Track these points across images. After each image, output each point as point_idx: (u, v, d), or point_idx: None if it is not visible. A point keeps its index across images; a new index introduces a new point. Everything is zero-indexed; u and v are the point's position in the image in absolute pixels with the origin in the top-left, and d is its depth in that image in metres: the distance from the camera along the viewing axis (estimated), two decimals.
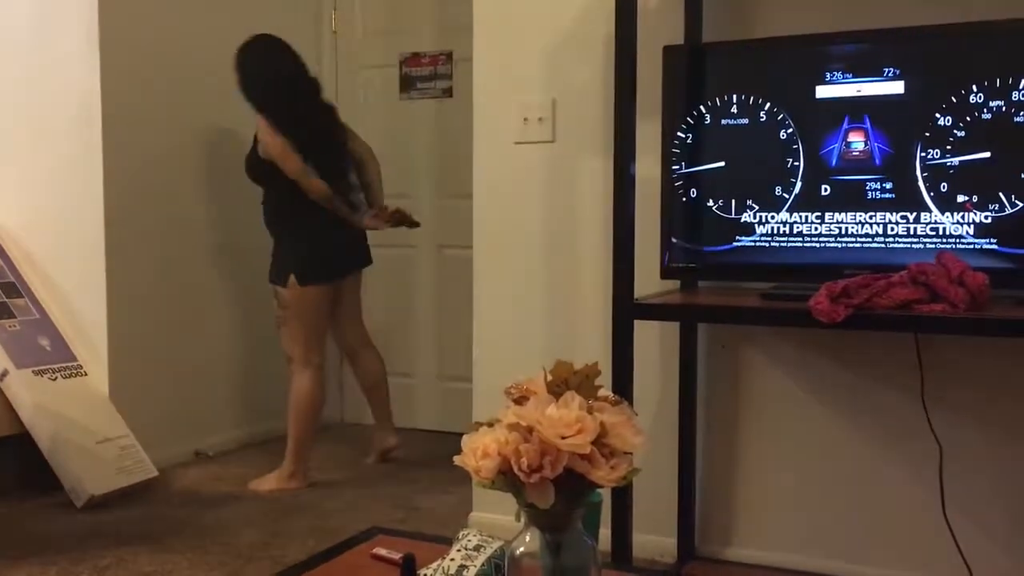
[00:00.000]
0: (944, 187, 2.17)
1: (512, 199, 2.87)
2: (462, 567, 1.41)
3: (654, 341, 2.68)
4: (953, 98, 2.15)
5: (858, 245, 2.26)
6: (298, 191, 3.44)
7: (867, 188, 2.24)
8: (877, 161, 2.23)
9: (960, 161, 2.15)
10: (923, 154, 2.19)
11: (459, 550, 1.45)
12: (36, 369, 3.42)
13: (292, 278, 3.48)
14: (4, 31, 3.72)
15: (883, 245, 2.23)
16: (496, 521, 2.73)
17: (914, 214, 2.20)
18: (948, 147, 2.16)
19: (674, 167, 2.42)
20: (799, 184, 2.31)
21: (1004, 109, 2.11)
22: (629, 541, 2.32)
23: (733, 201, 2.37)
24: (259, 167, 3.51)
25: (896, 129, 2.21)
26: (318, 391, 3.58)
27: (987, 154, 2.13)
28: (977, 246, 2.15)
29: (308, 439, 3.59)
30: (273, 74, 3.54)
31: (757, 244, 2.35)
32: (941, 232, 2.18)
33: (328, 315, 3.62)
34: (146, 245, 3.72)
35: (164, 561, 2.77)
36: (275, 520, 3.15)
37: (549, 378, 1.15)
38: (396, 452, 3.82)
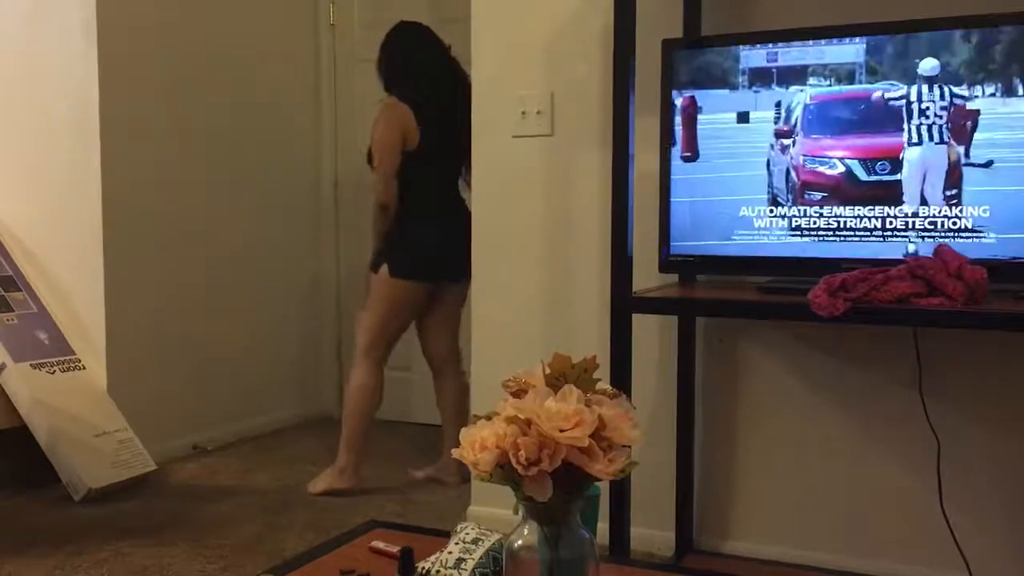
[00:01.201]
0: (945, 182, 2.17)
1: (510, 193, 2.86)
2: (460, 560, 1.41)
3: (652, 335, 2.68)
4: (955, 94, 2.15)
5: (856, 239, 2.26)
6: (413, 183, 3.35)
7: (866, 182, 2.24)
8: (877, 155, 2.23)
9: (961, 156, 2.15)
10: (924, 149, 2.18)
11: (457, 543, 1.45)
12: (34, 363, 3.42)
13: (385, 267, 3.36)
14: (0, 24, 3.71)
15: (881, 239, 2.23)
16: (494, 514, 2.73)
17: (913, 208, 2.20)
18: (949, 143, 2.16)
19: (672, 161, 2.41)
20: (798, 178, 2.31)
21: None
22: (627, 534, 2.32)
23: (732, 195, 2.37)
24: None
25: (897, 124, 2.21)
26: (374, 384, 3.41)
27: (988, 150, 2.13)
28: (976, 240, 2.14)
29: (359, 435, 3.41)
30: (410, 58, 3.46)
31: (756, 238, 2.35)
32: (940, 226, 2.18)
33: (408, 317, 3.47)
34: (144, 239, 3.72)
35: (162, 555, 2.77)
36: (273, 514, 3.15)
37: (547, 371, 1.14)
38: (446, 482, 3.52)
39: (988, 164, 2.12)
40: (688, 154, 2.39)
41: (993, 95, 2.11)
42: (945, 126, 2.16)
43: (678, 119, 2.39)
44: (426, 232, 3.39)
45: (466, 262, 3.43)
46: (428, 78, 3.43)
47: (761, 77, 2.32)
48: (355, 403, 3.41)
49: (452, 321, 3.59)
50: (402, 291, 3.39)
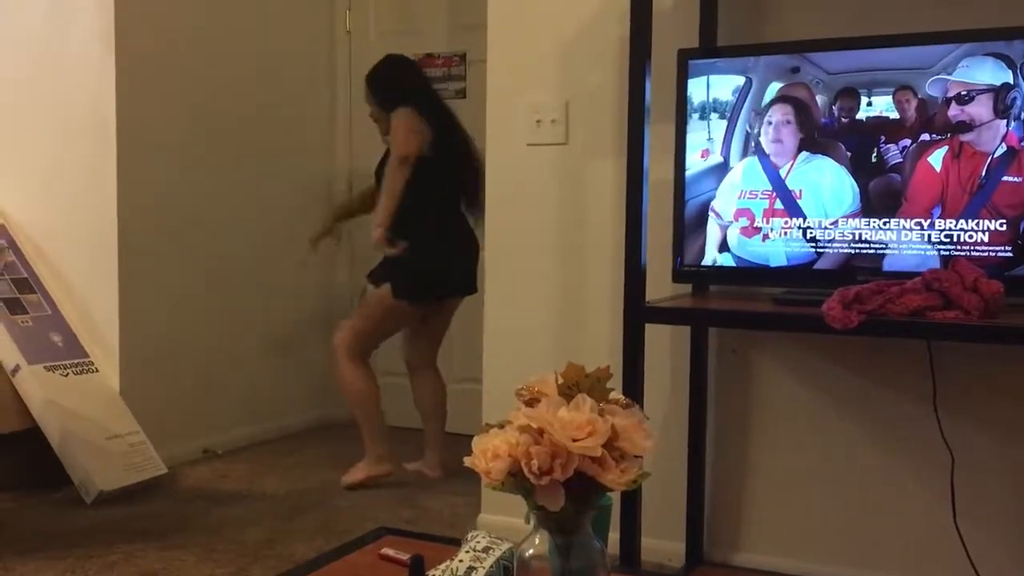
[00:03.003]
0: (959, 193, 2.16)
1: (524, 201, 2.86)
2: (471, 568, 1.40)
3: (665, 344, 2.67)
4: (968, 106, 2.14)
5: (871, 251, 2.25)
6: (422, 200, 3.37)
7: (880, 193, 2.23)
8: (890, 167, 2.22)
9: (977, 169, 2.14)
10: (939, 162, 2.17)
11: (468, 551, 1.45)
12: (48, 365, 3.43)
13: (388, 287, 3.43)
14: (19, 28, 3.74)
15: (897, 251, 2.22)
16: (505, 523, 2.72)
17: (928, 220, 2.19)
18: (961, 153, 2.15)
19: (687, 170, 2.41)
20: (812, 189, 2.30)
21: None
22: (638, 545, 2.31)
23: (746, 205, 2.36)
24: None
25: (909, 135, 2.20)
26: (369, 381, 3.52)
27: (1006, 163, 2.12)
28: (992, 253, 2.13)
29: (379, 427, 3.52)
30: (412, 81, 3.58)
31: (770, 249, 2.34)
32: (955, 239, 2.16)
33: (396, 331, 3.60)
34: (158, 244, 3.73)
35: (172, 558, 2.78)
36: (283, 519, 3.15)
37: (560, 380, 1.14)
38: (432, 479, 3.64)
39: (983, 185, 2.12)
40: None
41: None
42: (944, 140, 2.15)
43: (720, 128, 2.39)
44: (436, 255, 3.45)
45: (468, 278, 3.51)
46: (429, 100, 3.53)
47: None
48: (361, 404, 3.51)
49: (441, 332, 3.71)
50: (400, 312, 3.49)
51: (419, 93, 3.52)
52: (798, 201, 2.31)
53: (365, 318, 3.52)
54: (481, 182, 3.09)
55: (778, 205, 2.33)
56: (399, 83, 3.54)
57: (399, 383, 3.86)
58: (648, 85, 2.25)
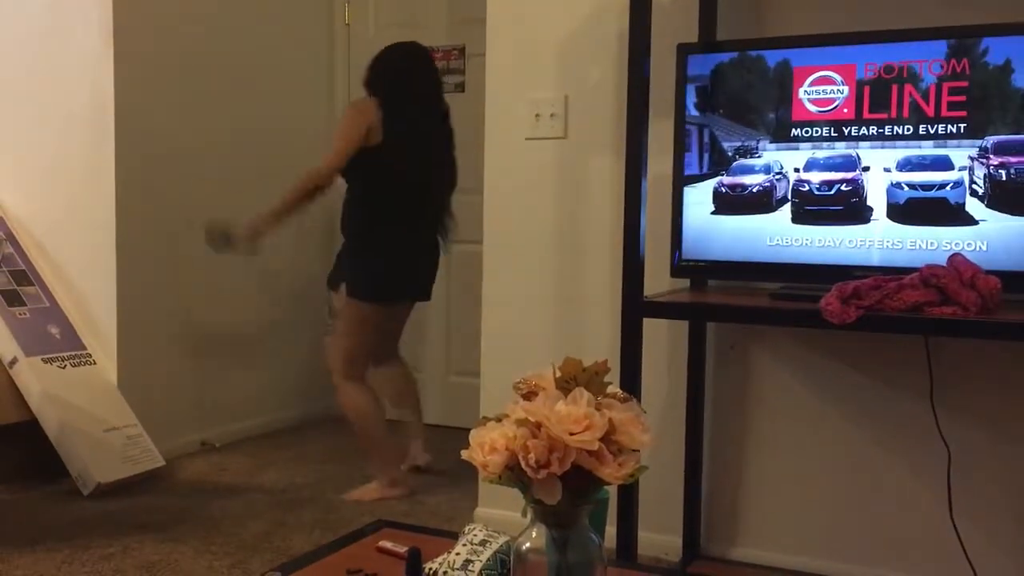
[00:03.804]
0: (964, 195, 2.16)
1: (523, 195, 2.86)
2: (468, 561, 1.41)
3: (663, 339, 2.67)
4: (974, 105, 2.14)
5: (868, 246, 2.25)
6: (385, 195, 3.25)
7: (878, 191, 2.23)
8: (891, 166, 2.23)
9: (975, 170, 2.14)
10: (942, 161, 2.18)
11: (465, 544, 1.45)
12: (45, 357, 3.44)
13: (356, 291, 3.29)
14: (19, 21, 3.73)
15: (893, 247, 2.22)
16: (502, 516, 2.73)
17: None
18: (964, 155, 2.15)
19: (686, 165, 2.41)
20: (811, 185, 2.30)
21: None
22: (635, 539, 2.31)
23: (745, 201, 2.36)
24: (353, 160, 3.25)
25: (911, 136, 2.20)
26: (370, 400, 3.34)
27: (1000, 161, 2.12)
28: (986, 250, 2.13)
29: (387, 448, 3.39)
30: (399, 71, 3.34)
31: (768, 244, 2.35)
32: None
33: (379, 334, 3.41)
34: (156, 235, 3.73)
35: (169, 551, 2.78)
36: (281, 512, 3.15)
37: (558, 374, 1.14)
38: (427, 467, 3.64)
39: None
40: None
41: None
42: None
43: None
44: (401, 251, 3.31)
45: (430, 282, 3.46)
46: (413, 91, 3.33)
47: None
48: (365, 424, 3.33)
49: (400, 329, 3.59)
50: (374, 314, 3.33)
51: (403, 93, 3.30)
52: (797, 195, 2.31)
53: (347, 334, 3.33)
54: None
55: (776, 199, 2.33)
56: (395, 74, 3.32)
57: None
58: (647, 80, 2.25)
